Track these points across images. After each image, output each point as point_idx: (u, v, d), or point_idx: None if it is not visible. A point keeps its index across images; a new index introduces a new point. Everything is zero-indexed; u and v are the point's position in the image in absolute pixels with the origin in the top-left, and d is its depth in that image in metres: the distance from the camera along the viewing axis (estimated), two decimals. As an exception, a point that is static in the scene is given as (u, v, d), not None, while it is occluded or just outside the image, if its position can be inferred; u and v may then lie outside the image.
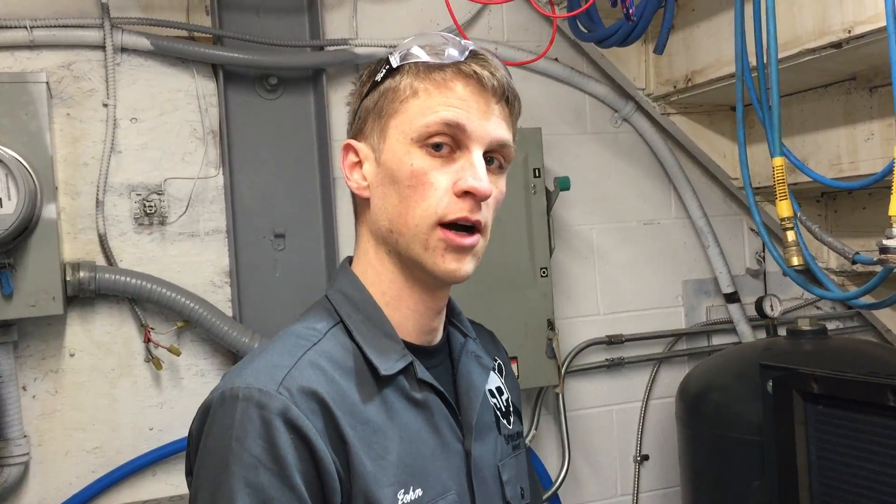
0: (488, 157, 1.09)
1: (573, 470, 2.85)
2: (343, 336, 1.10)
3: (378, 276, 1.13)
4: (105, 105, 2.41)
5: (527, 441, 2.77)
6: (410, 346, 1.12)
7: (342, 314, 1.12)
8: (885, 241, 1.68)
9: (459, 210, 1.06)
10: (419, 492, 1.06)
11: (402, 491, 1.05)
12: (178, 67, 2.50)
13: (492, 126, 1.08)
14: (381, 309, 1.12)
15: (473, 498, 1.14)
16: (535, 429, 2.80)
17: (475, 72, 1.07)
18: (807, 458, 2.07)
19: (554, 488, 2.80)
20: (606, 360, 2.93)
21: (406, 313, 1.12)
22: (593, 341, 2.91)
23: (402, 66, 1.10)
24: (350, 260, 1.19)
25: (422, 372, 1.11)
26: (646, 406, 2.98)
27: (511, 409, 1.30)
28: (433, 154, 1.07)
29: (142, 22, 2.44)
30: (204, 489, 1.00)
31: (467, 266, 1.09)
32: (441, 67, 1.08)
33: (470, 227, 1.08)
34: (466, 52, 1.09)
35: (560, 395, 2.81)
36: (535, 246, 2.65)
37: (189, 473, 1.08)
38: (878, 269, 1.78)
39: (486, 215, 1.09)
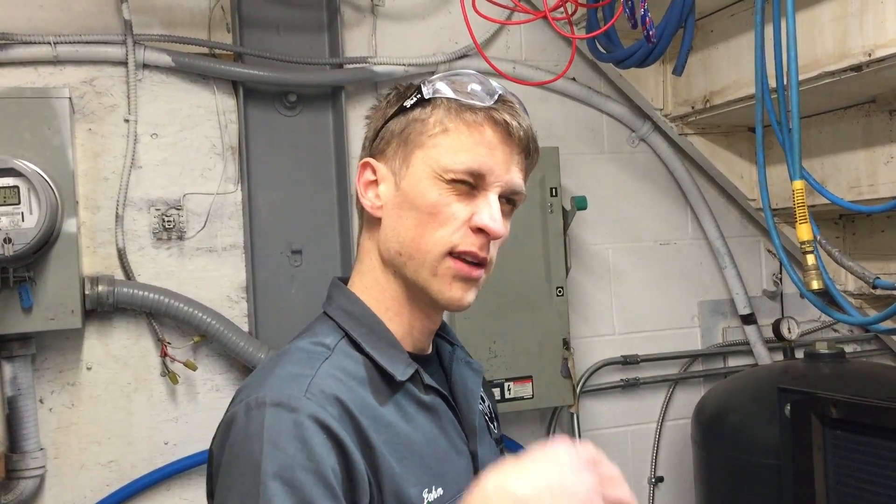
0: (502, 198, 1.13)
1: (587, 491, 2.83)
2: (350, 349, 1.13)
3: (382, 293, 1.16)
4: (126, 120, 2.44)
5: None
6: (410, 356, 1.16)
7: (347, 328, 1.14)
8: (906, 266, 1.66)
9: (471, 244, 1.10)
10: (440, 490, 1.09)
11: (426, 490, 1.08)
12: (198, 84, 2.52)
13: (511, 175, 1.13)
14: (382, 322, 1.15)
15: None
16: (550, 449, 2.78)
17: (505, 120, 1.10)
18: (825, 484, 2.05)
19: (568, 509, 2.78)
20: (622, 380, 2.92)
21: (406, 328, 1.16)
22: (609, 361, 2.90)
23: (434, 98, 1.13)
24: (342, 279, 1.22)
25: (428, 378, 1.15)
26: (661, 427, 2.97)
27: (493, 415, 1.34)
28: (454, 188, 1.10)
29: (164, 39, 2.46)
30: (231, 496, 0.99)
31: (470, 296, 1.13)
32: (472, 109, 1.11)
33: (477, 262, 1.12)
34: (496, 97, 1.12)
35: (575, 415, 2.80)
36: (552, 265, 2.65)
37: (211, 496, 1.07)
38: (899, 293, 1.76)
39: (493, 253, 1.14)
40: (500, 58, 2.79)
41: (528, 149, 1.14)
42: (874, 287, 2.01)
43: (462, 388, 1.22)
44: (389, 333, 1.14)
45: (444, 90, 1.12)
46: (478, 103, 1.11)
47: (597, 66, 2.91)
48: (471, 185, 1.10)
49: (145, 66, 2.46)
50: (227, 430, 1.03)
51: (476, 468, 1.17)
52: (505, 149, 1.11)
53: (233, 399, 1.08)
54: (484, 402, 1.32)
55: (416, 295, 1.13)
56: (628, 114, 2.96)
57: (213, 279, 2.50)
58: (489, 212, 1.10)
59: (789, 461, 2.12)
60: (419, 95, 1.13)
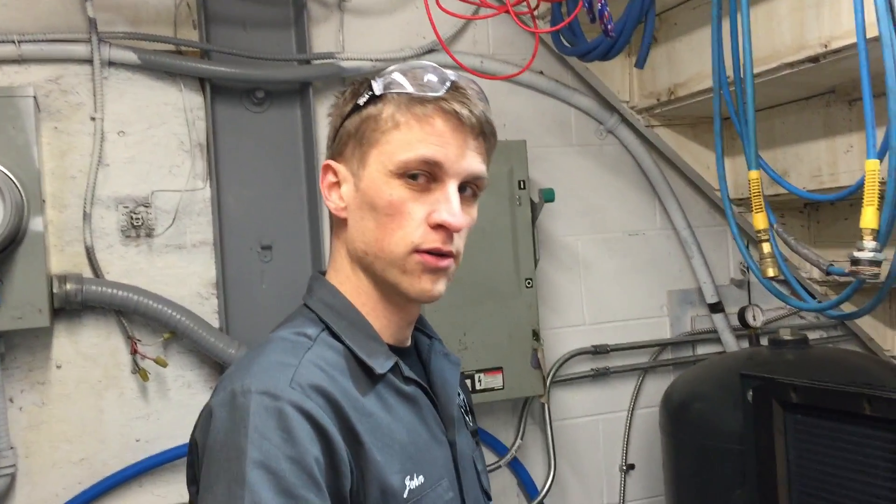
0: (462, 186, 1.14)
1: (559, 479, 2.87)
2: (331, 340, 1.14)
3: (355, 290, 1.17)
4: (93, 119, 2.43)
5: (512, 451, 2.79)
6: (390, 348, 1.18)
7: (327, 320, 1.15)
8: (856, 254, 1.71)
9: (433, 241, 1.11)
10: (421, 478, 1.11)
11: (409, 478, 1.10)
12: (165, 81, 2.52)
13: (467, 162, 1.12)
14: (362, 315, 1.16)
15: (461, 485, 1.20)
16: (521, 439, 2.82)
17: (455, 109, 1.11)
18: (786, 467, 2.10)
19: (540, 497, 2.82)
20: (592, 369, 2.95)
21: (383, 322, 1.18)
22: (579, 351, 2.93)
23: (384, 94, 1.13)
24: (322, 273, 1.23)
25: (407, 370, 1.17)
26: (631, 415, 3.00)
27: (468, 408, 1.36)
28: (410, 184, 1.11)
29: (129, 36, 2.46)
30: (219, 481, 1.00)
31: (440, 287, 1.14)
32: (422, 101, 1.11)
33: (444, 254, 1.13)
34: (448, 84, 1.12)
35: (545, 405, 2.83)
36: (520, 257, 2.68)
37: (192, 482, 1.08)
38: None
39: (458, 244, 1.14)
40: (468, 52, 2.81)
41: (483, 133, 1.14)
42: (828, 274, 2.05)
43: (440, 379, 1.24)
44: (369, 326, 1.16)
45: (399, 80, 1.13)
46: (428, 94, 1.11)
47: (564, 59, 2.93)
48: (427, 178, 1.11)
49: (111, 63, 2.46)
50: (210, 417, 1.04)
51: (455, 457, 1.20)
52: (457, 137, 1.11)
53: (216, 388, 1.09)
54: (459, 395, 1.33)
55: (388, 290, 1.15)
56: (596, 106, 2.99)
57: (183, 276, 2.51)
58: (447, 206, 1.10)
59: (752, 445, 2.17)
60: (371, 92, 1.14)
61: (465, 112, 1.11)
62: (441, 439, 1.19)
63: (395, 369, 1.15)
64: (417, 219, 1.11)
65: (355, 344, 1.13)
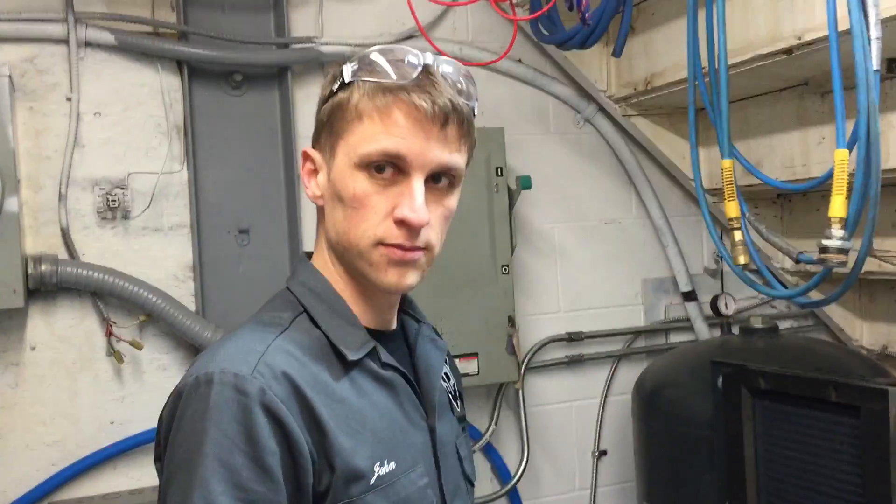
0: (437, 176, 1.11)
1: (532, 464, 2.90)
2: (308, 324, 1.14)
3: (335, 277, 1.17)
4: (68, 99, 2.42)
5: (487, 436, 2.82)
6: (371, 332, 1.17)
7: (306, 304, 1.15)
8: (824, 242, 1.74)
9: (396, 237, 1.08)
10: (393, 464, 1.11)
11: (378, 464, 1.09)
12: (142, 63, 2.51)
13: (434, 153, 1.09)
14: (343, 299, 1.16)
15: (439, 472, 1.19)
16: (495, 424, 2.84)
17: (415, 102, 1.07)
18: (754, 452, 2.14)
19: (513, 482, 2.85)
20: (566, 356, 2.98)
21: (363, 307, 1.17)
22: (554, 338, 2.96)
23: (353, 81, 1.11)
24: (308, 255, 1.23)
25: (386, 356, 1.16)
26: (605, 402, 3.04)
27: (458, 393, 1.35)
28: (375, 177, 1.09)
29: (106, 17, 2.44)
30: (179, 472, 1.01)
31: (410, 279, 1.11)
32: (384, 91, 1.08)
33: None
34: (419, 69, 1.09)
35: (520, 391, 2.86)
36: (497, 243, 2.70)
37: (158, 459, 1.09)
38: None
39: (428, 237, 1.11)
40: (447, 39, 2.81)
41: (451, 121, 1.09)
42: (798, 262, 2.08)
43: (425, 364, 1.23)
44: (349, 311, 1.15)
45: (374, 61, 1.10)
46: (397, 81, 1.08)
47: (543, 48, 2.94)
48: (393, 171, 1.08)
49: (87, 44, 2.44)
50: (176, 402, 1.05)
51: (434, 443, 1.19)
52: (420, 129, 1.08)
53: (188, 370, 1.10)
54: (448, 379, 1.33)
55: (361, 279, 1.15)
56: (574, 95, 3.01)
57: (159, 259, 2.51)
58: (409, 202, 1.07)
59: (721, 430, 2.20)
60: (342, 79, 1.12)
61: (425, 104, 1.07)
62: (420, 425, 1.18)
63: (373, 354, 1.14)
64: (381, 213, 1.08)
65: (331, 329, 1.13)
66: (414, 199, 1.07)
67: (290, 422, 1.02)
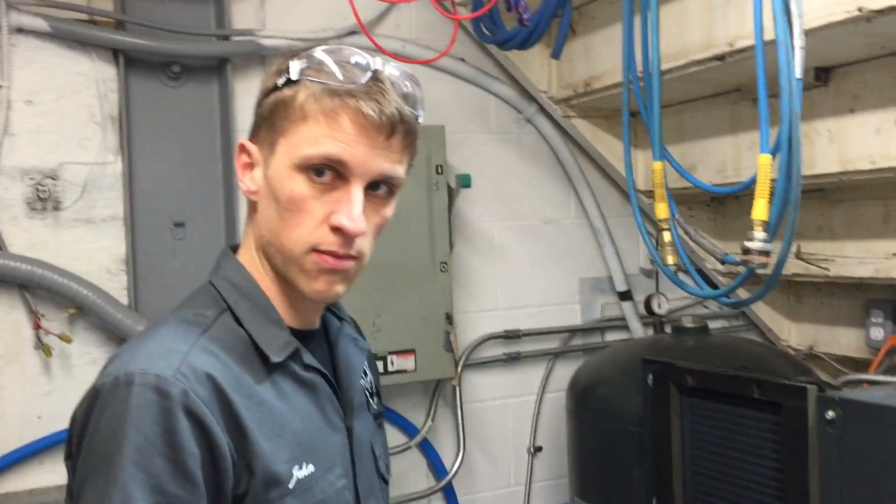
0: (375, 184, 1.10)
1: (468, 461, 2.92)
2: (231, 322, 1.12)
3: (261, 276, 1.16)
4: (-1, 86, 2.36)
5: (423, 432, 2.83)
6: (294, 332, 1.16)
7: (229, 301, 1.13)
8: (746, 244, 1.79)
9: (331, 244, 1.07)
10: (311, 467, 1.11)
11: (297, 467, 1.09)
12: (77, 51, 2.46)
13: (376, 162, 1.08)
14: (267, 297, 1.15)
15: (355, 471, 1.20)
16: (432, 420, 2.86)
17: (363, 110, 1.06)
18: (681, 447, 2.19)
19: (448, 478, 2.87)
20: (504, 354, 3.01)
21: (287, 307, 1.16)
22: (491, 335, 2.98)
23: (300, 80, 1.08)
24: (233, 248, 1.21)
25: (308, 357, 1.16)
26: (541, 399, 3.08)
27: (375, 390, 1.36)
28: (314, 180, 1.07)
29: (40, 3, 2.39)
30: (95, 475, 1.00)
31: (337, 288, 1.11)
32: (332, 94, 1.06)
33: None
34: (369, 75, 1.07)
35: (457, 388, 2.88)
36: (436, 241, 2.71)
37: (69, 457, 1.07)
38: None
39: (361, 246, 1.10)
40: (391, 36, 2.82)
41: (397, 131, 1.08)
42: (723, 263, 2.14)
43: (345, 364, 1.24)
44: (273, 310, 1.14)
45: (320, 60, 1.08)
46: (344, 85, 1.06)
47: (486, 48, 2.97)
48: (333, 176, 1.07)
49: (20, 30, 2.38)
50: (92, 402, 1.03)
51: (352, 444, 1.20)
52: (365, 137, 1.06)
53: (104, 366, 1.08)
54: (366, 376, 1.33)
55: (289, 283, 1.13)
56: (515, 95, 3.04)
57: (91, 251, 2.46)
58: (347, 210, 1.06)
59: (650, 427, 2.25)
60: (287, 75, 1.09)
61: (373, 112, 1.05)
62: (338, 426, 1.18)
63: (295, 355, 1.14)
64: (317, 218, 1.07)
65: (254, 329, 1.11)
66: (352, 208, 1.06)
67: (213, 425, 1.01)
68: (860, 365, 2.80)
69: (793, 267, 2.75)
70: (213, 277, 1.18)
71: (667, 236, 2.15)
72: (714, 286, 2.80)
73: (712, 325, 2.82)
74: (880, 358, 2.61)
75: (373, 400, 1.33)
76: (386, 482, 1.34)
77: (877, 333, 2.74)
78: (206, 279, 1.19)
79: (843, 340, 2.96)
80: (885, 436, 1.66)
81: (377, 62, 1.09)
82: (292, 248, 1.09)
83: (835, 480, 1.76)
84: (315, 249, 1.08)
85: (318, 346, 1.22)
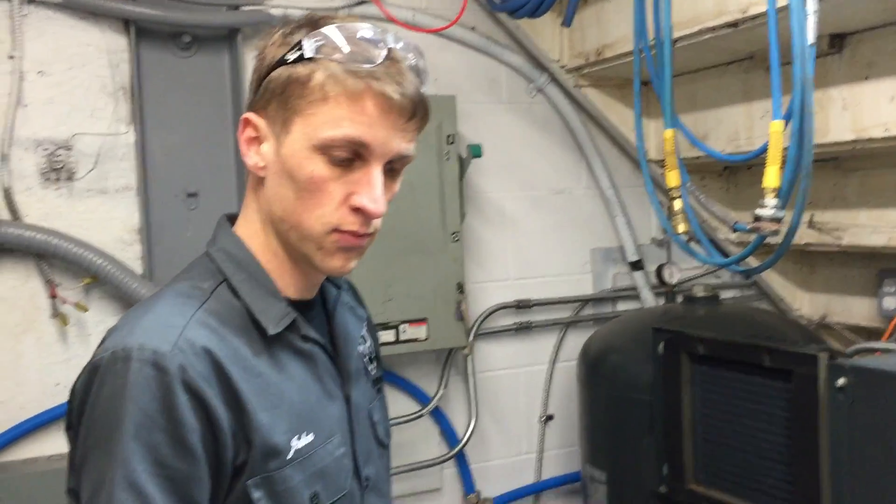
0: (388, 165, 1.10)
1: (480, 429, 2.95)
2: (228, 295, 1.12)
3: (263, 246, 1.15)
4: (11, 57, 2.36)
5: (435, 400, 2.85)
6: (291, 303, 1.16)
7: (226, 273, 1.13)
8: (758, 211, 1.79)
9: (352, 224, 1.07)
10: (311, 437, 1.12)
11: (296, 437, 1.10)
12: (88, 21, 2.46)
13: (395, 142, 1.08)
14: (264, 269, 1.14)
15: (354, 439, 1.21)
16: (444, 388, 2.88)
17: (386, 92, 1.05)
18: (692, 416, 2.20)
19: (460, 446, 2.89)
20: (515, 323, 3.02)
21: (287, 280, 1.16)
22: (502, 305, 2.99)
23: (315, 57, 1.06)
24: (230, 218, 1.20)
25: (305, 328, 1.16)
26: (552, 368, 3.09)
27: (375, 354, 1.37)
28: (333, 162, 1.07)
29: (51, -27, 2.39)
30: (96, 449, 1.01)
31: (353, 264, 1.12)
32: (355, 75, 1.05)
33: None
34: (384, 53, 1.06)
35: (469, 357, 2.89)
36: (447, 211, 2.72)
37: (69, 428, 1.08)
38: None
39: (376, 224, 1.11)
40: (401, 5, 2.80)
41: (414, 114, 1.08)
42: (734, 231, 2.14)
43: (343, 332, 1.24)
44: (270, 282, 1.14)
45: (332, 38, 1.06)
46: (363, 65, 1.05)
47: (497, 17, 2.95)
48: (351, 157, 1.07)
49: (31, 1, 2.39)
50: (91, 377, 1.03)
51: (350, 412, 1.21)
52: (387, 119, 1.06)
53: (103, 339, 1.08)
54: (365, 341, 1.34)
55: (300, 258, 1.13)
56: (526, 65, 3.02)
57: (105, 221, 2.48)
58: (369, 192, 1.06)
59: (661, 395, 2.26)
60: (300, 52, 1.07)
61: (396, 95, 1.05)
62: (336, 395, 1.18)
63: (292, 326, 1.14)
64: (337, 199, 1.07)
65: (252, 300, 1.11)
66: (374, 189, 1.06)
67: (211, 399, 1.01)
68: (873, 334, 2.79)
69: (805, 236, 2.74)
70: (209, 248, 1.17)
71: (678, 204, 2.14)
72: (725, 255, 2.79)
73: (723, 295, 2.82)
74: (893, 326, 2.61)
75: (371, 365, 1.34)
76: (385, 447, 1.34)
77: (890, 303, 2.74)
78: (203, 250, 1.19)
79: (855, 310, 2.96)
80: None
81: (389, 38, 1.08)
82: (312, 228, 1.08)
83: (844, 448, 1.77)
84: (336, 230, 1.08)
85: (315, 316, 1.22)
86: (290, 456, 1.09)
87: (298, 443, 1.11)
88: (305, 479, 1.12)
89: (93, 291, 2.47)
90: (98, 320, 2.48)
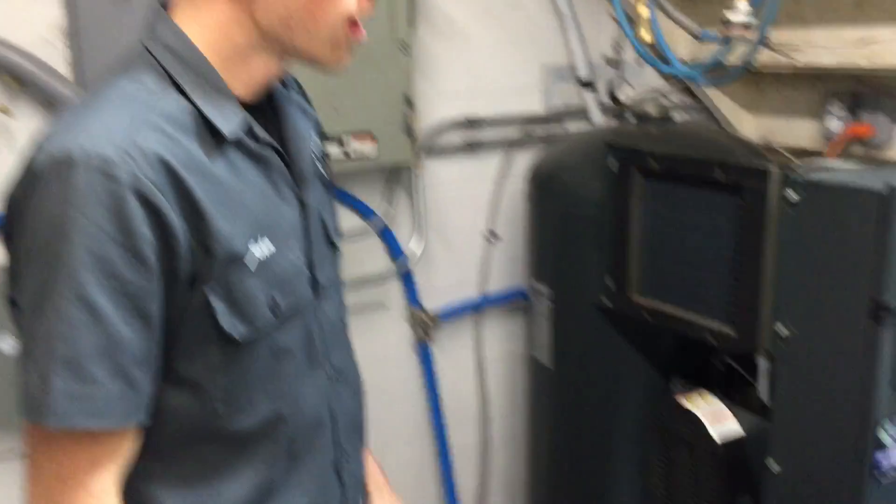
0: None
1: (427, 246, 2.96)
2: (175, 94, 1.05)
3: (223, 40, 1.08)
4: None
5: (381, 217, 2.83)
6: (241, 104, 1.12)
7: (171, 71, 1.06)
8: (729, 15, 1.73)
9: (362, 10, 1.10)
10: (267, 240, 1.11)
11: (253, 241, 1.09)
12: None
13: None
14: (214, 69, 1.08)
15: (310, 246, 1.21)
16: (391, 205, 2.86)
17: None
18: (641, 230, 2.23)
19: (406, 262, 2.91)
20: (464, 141, 2.97)
21: (243, 78, 1.11)
22: (452, 122, 2.93)
23: None
24: (163, 4, 1.11)
25: (260, 131, 1.12)
26: (501, 187, 3.08)
27: (321, 156, 1.35)
28: None
29: None
30: (37, 259, 0.95)
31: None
32: None
33: None
34: None
35: (416, 174, 2.85)
36: (397, 22, 2.58)
37: (9, 238, 1.03)
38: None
39: None
40: None
41: None
42: (700, 39, 2.09)
43: (294, 134, 1.21)
44: (220, 81, 1.07)
45: None
46: None
47: None
48: None
49: None
50: (31, 184, 0.97)
51: (306, 217, 1.19)
52: None
53: (38, 142, 1.00)
54: (316, 142, 1.32)
55: (283, 55, 1.09)
56: None
57: (24, 18, 2.28)
58: None
59: (611, 210, 2.28)
60: None
61: None
62: (290, 199, 1.17)
63: (247, 129, 1.10)
64: None
65: (202, 101, 1.05)
66: None
67: (166, 208, 0.97)
68: (815, 157, 2.84)
69: (760, 57, 2.70)
70: (147, 43, 1.09)
71: (644, 11, 2.07)
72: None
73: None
74: (835, 145, 2.65)
75: (319, 164, 1.31)
76: (336, 249, 1.34)
77: (834, 125, 2.77)
78: (137, 43, 1.10)
79: (798, 132, 2.99)
80: (846, 217, 1.70)
81: None
82: (334, 23, 1.07)
83: (791, 262, 1.82)
84: (351, 21, 1.09)
85: (263, 114, 1.18)
86: (248, 261, 1.07)
87: (257, 248, 1.09)
88: (263, 284, 1.11)
89: (19, 98, 2.31)
90: (25, 127, 2.33)
